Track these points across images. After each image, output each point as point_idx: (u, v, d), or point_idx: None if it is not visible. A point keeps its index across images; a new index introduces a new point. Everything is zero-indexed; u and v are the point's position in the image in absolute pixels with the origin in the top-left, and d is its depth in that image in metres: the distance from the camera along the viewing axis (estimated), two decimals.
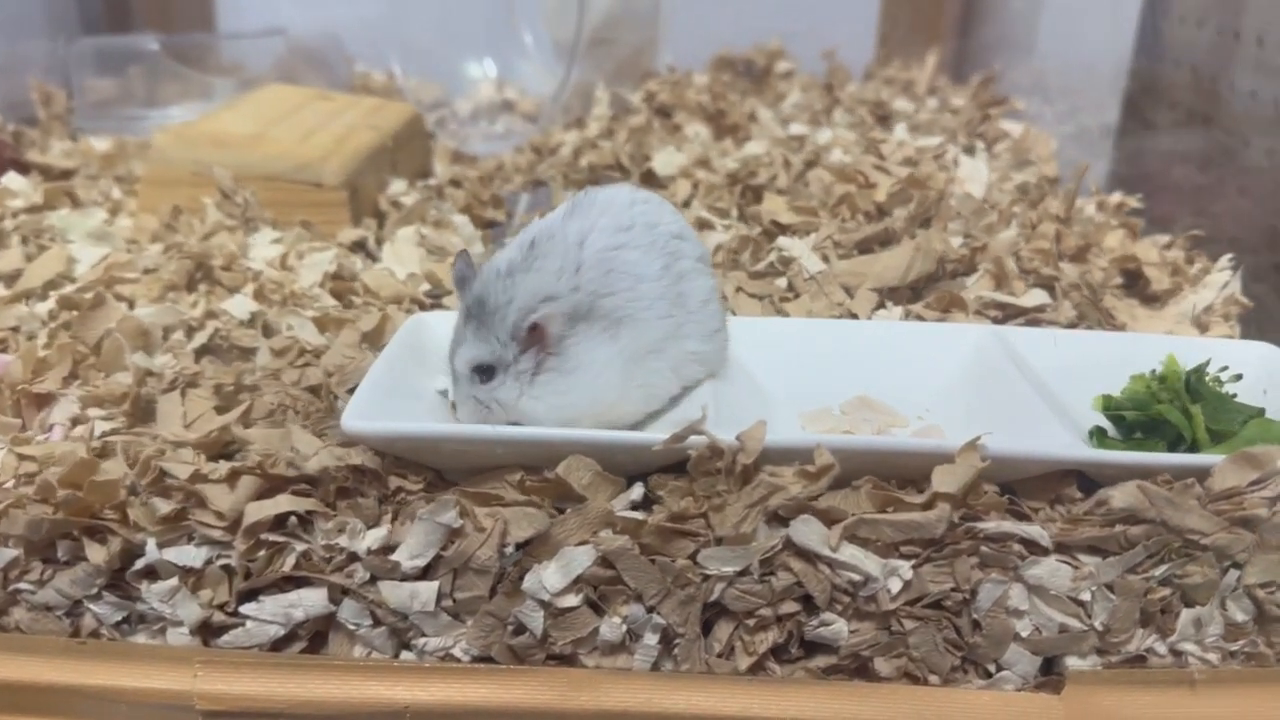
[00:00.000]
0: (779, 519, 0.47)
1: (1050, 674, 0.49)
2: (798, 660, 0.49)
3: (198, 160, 0.75)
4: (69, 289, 0.64)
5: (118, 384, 0.56)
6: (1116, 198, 0.79)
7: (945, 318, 0.63)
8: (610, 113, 1.00)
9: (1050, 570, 0.47)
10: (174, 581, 0.47)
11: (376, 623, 0.48)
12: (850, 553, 0.46)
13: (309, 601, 0.47)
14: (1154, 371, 0.57)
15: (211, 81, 1.07)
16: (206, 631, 0.48)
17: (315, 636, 0.49)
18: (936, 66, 1.18)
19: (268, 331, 0.61)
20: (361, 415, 0.49)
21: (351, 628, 0.48)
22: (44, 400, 0.57)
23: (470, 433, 0.49)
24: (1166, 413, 0.52)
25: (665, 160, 0.87)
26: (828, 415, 0.56)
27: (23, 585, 0.47)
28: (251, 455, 0.49)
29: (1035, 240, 0.70)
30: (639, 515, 0.47)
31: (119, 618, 0.48)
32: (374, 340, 0.59)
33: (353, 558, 0.47)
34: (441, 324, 0.60)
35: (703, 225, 0.81)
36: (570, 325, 0.51)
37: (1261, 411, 0.54)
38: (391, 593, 0.47)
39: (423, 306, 0.64)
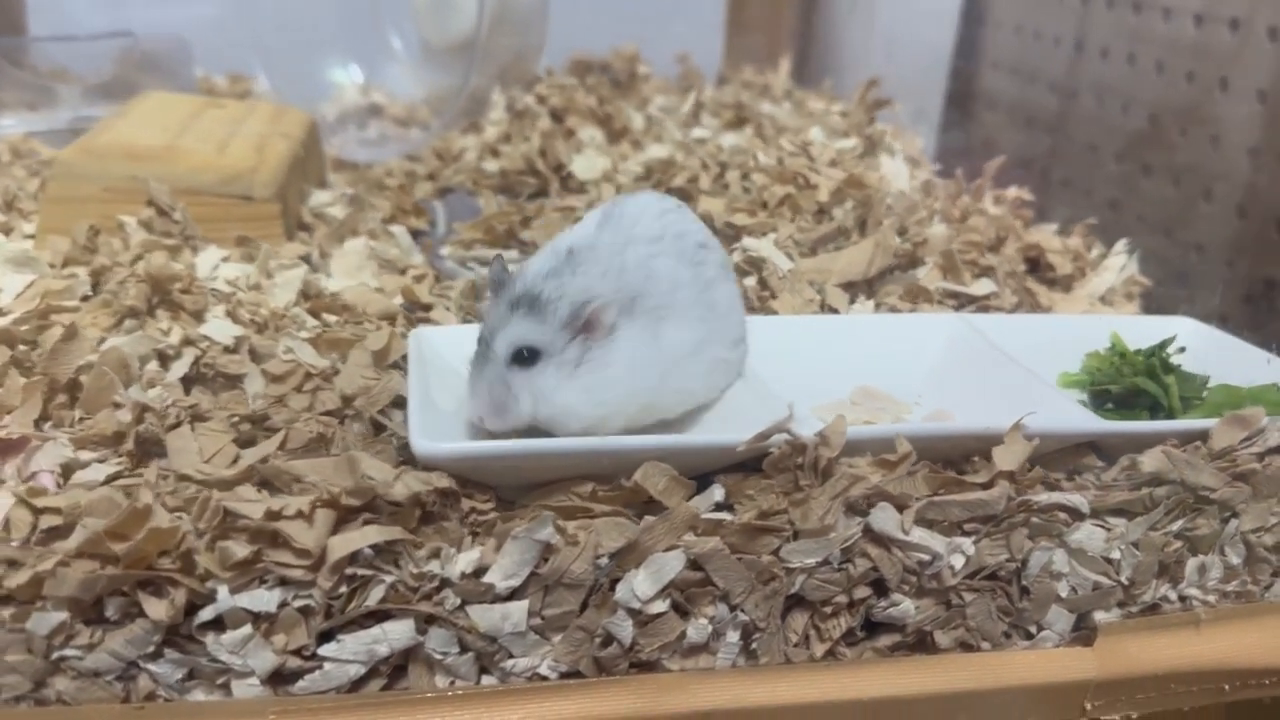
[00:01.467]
0: (853, 508, 0.49)
1: (1080, 629, 0.53)
2: (862, 641, 0.51)
3: (110, 175, 0.69)
4: (3, 321, 0.58)
5: (109, 422, 0.51)
6: (1013, 191, 0.86)
7: (915, 308, 0.67)
8: (506, 116, 0.99)
9: (1088, 534, 0.51)
10: (246, 629, 0.44)
11: (463, 649, 0.46)
12: (920, 534, 0.49)
13: (395, 635, 0.45)
14: (1111, 349, 0.63)
15: (54, 88, 0.97)
16: (277, 680, 0.45)
17: (393, 672, 0.47)
18: (789, 71, 1.23)
19: (256, 357, 0.57)
20: (427, 436, 0.47)
21: (438, 657, 0.46)
22: (12, 446, 0.51)
23: (558, 447, 0.48)
24: (1144, 384, 0.58)
25: (587, 164, 0.87)
26: (842, 406, 0.59)
27: (69, 651, 0.43)
28: (311, 488, 0.46)
29: (965, 233, 0.75)
30: (725, 515, 0.48)
31: (179, 675, 0.44)
32: (380, 360, 0.57)
33: (444, 584, 0.45)
34: (441, 338, 0.58)
35: None
36: (618, 320, 0.51)
37: (1207, 379, 0.61)
38: (483, 616, 0.46)
39: (410, 322, 0.62)
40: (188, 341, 0.57)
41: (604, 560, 0.46)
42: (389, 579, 0.45)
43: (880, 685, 0.51)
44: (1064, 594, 0.52)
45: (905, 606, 0.50)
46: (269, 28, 1.09)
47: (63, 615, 0.42)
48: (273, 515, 0.44)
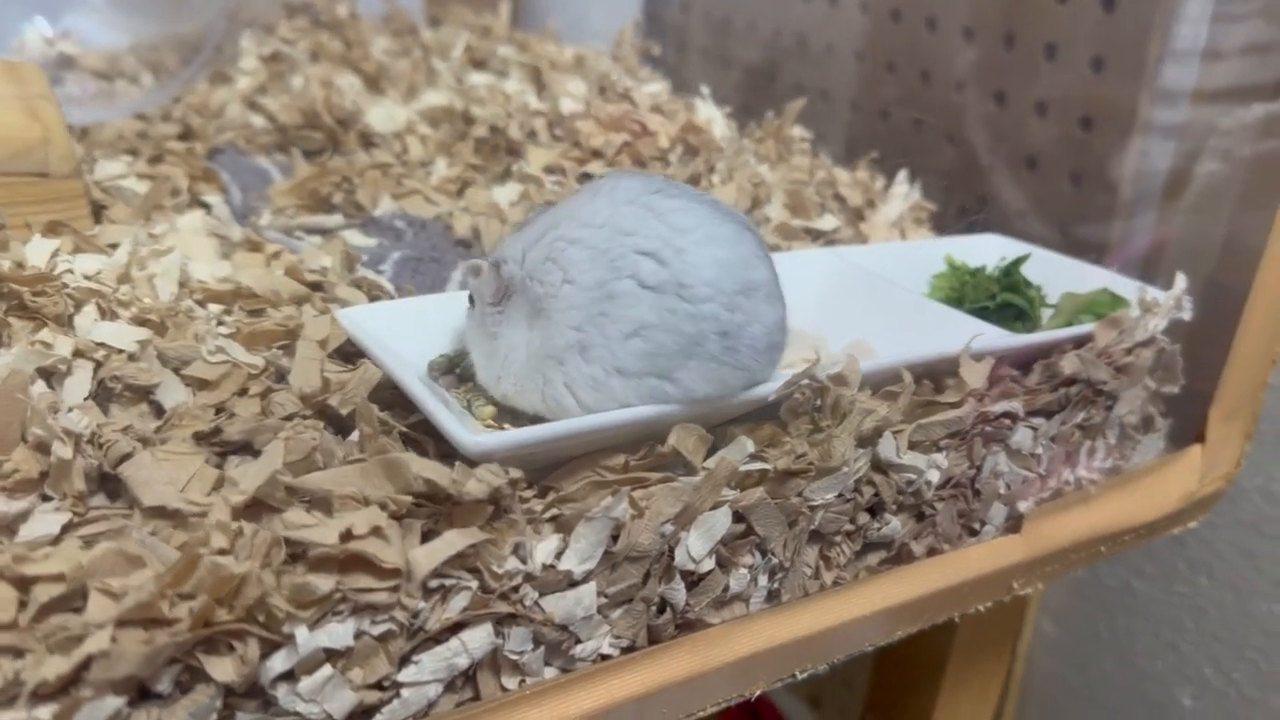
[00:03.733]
0: (862, 441, 0.51)
1: (1009, 520, 0.60)
2: (853, 561, 0.55)
3: None
4: None
5: (29, 461, 0.42)
6: (798, 131, 0.91)
7: (791, 245, 0.71)
8: (259, 64, 0.89)
9: (1023, 436, 0.58)
10: (325, 670, 0.39)
11: (536, 644, 0.44)
12: (911, 457, 0.53)
13: (474, 643, 0.42)
14: (956, 269, 0.71)
15: None
16: None
17: (457, 683, 0.43)
18: (510, 15, 1.20)
19: (166, 361, 0.49)
20: (466, 431, 0.44)
21: (514, 658, 0.43)
22: None
23: (599, 423, 0.46)
24: (1012, 298, 0.65)
25: (385, 115, 0.81)
26: None
27: None
28: (349, 502, 0.41)
29: (792, 173, 0.79)
30: (764, 466, 0.48)
31: None
32: (322, 350, 0.51)
33: (528, 579, 0.43)
34: (374, 317, 0.53)
35: (466, 184, 0.78)
36: (508, 293, 0.50)
37: (1040, 287, 0.70)
38: (558, 605, 0.44)
39: (317, 306, 0.56)
40: (79, 352, 0.48)
41: (668, 528, 0.45)
42: (472, 585, 0.41)
43: (877, 600, 0.54)
44: (1002, 491, 0.58)
45: (894, 525, 0.54)
46: None
47: (118, 702, 0.35)
48: (347, 536, 0.39)
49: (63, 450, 0.42)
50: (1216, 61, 0.79)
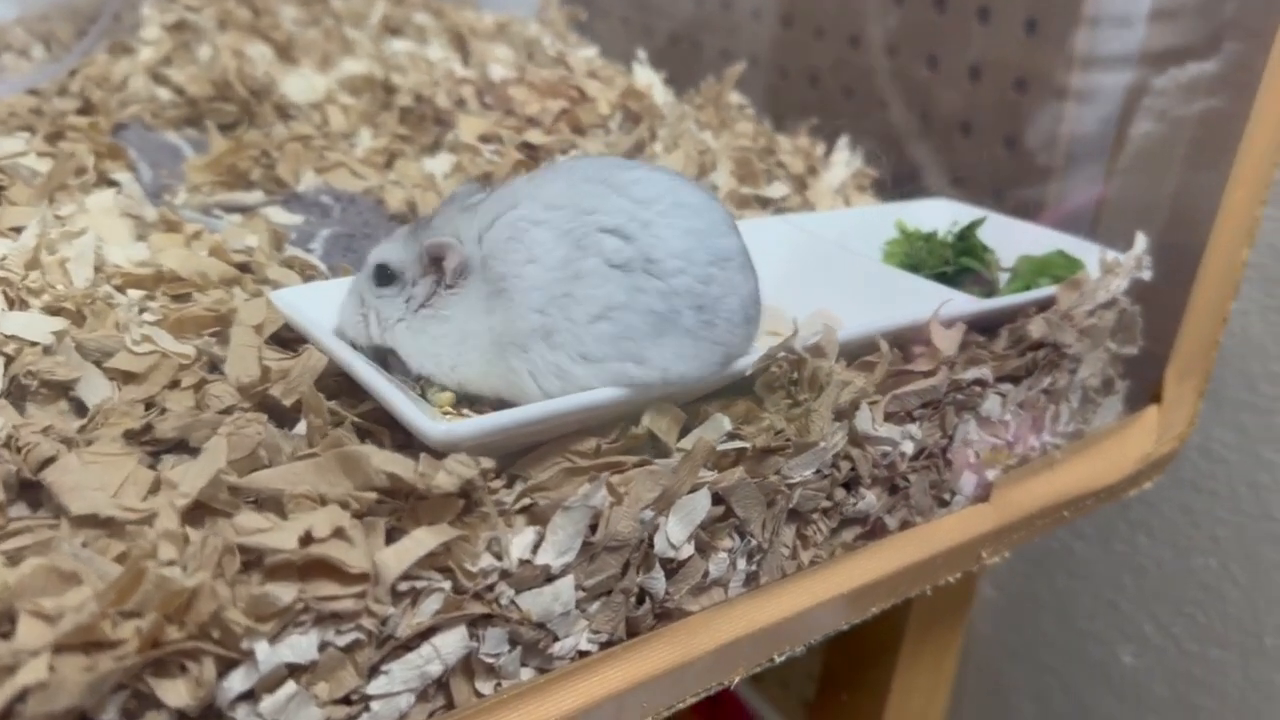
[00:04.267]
0: (839, 414, 0.49)
1: (976, 489, 0.59)
2: (829, 539, 0.53)
3: None
4: None
5: None
6: (735, 98, 0.89)
7: (742, 214, 0.68)
8: (164, 34, 0.83)
9: (992, 402, 0.56)
10: (289, 687, 0.35)
11: (512, 645, 0.41)
12: (886, 428, 0.51)
13: (447, 648, 0.39)
14: (910, 235, 0.69)
15: None
16: None
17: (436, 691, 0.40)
18: None
19: (85, 353, 0.44)
20: (429, 419, 0.40)
21: (489, 661, 0.40)
22: None
23: (571, 405, 0.43)
24: (969, 263, 0.64)
25: (303, 85, 0.76)
26: None
27: None
28: (304, 502, 0.38)
29: (736, 140, 0.77)
30: (742, 444, 0.46)
31: None
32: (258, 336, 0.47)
33: (503, 576, 0.39)
34: (310, 300, 0.50)
35: (394, 155, 0.74)
36: (464, 274, 0.47)
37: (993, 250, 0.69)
38: (535, 602, 0.41)
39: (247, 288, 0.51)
40: None
41: (647, 514, 0.43)
42: (444, 586, 0.38)
43: (855, 576, 0.53)
44: (972, 460, 0.57)
45: (869, 499, 0.52)
46: None
47: None
48: (307, 540, 0.35)
49: None
50: (1150, 23, 0.79)
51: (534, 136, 0.71)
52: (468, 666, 0.40)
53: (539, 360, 0.45)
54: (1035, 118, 0.87)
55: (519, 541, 0.40)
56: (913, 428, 0.52)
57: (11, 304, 0.46)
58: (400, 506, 0.39)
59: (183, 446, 0.43)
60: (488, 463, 0.39)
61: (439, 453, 0.40)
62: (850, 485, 0.51)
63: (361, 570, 0.35)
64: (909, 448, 0.52)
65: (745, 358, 0.47)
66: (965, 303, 0.56)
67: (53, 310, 0.46)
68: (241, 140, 0.71)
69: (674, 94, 0.85)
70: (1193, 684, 0.97)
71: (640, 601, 0.45)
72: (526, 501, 0.41)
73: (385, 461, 0.38)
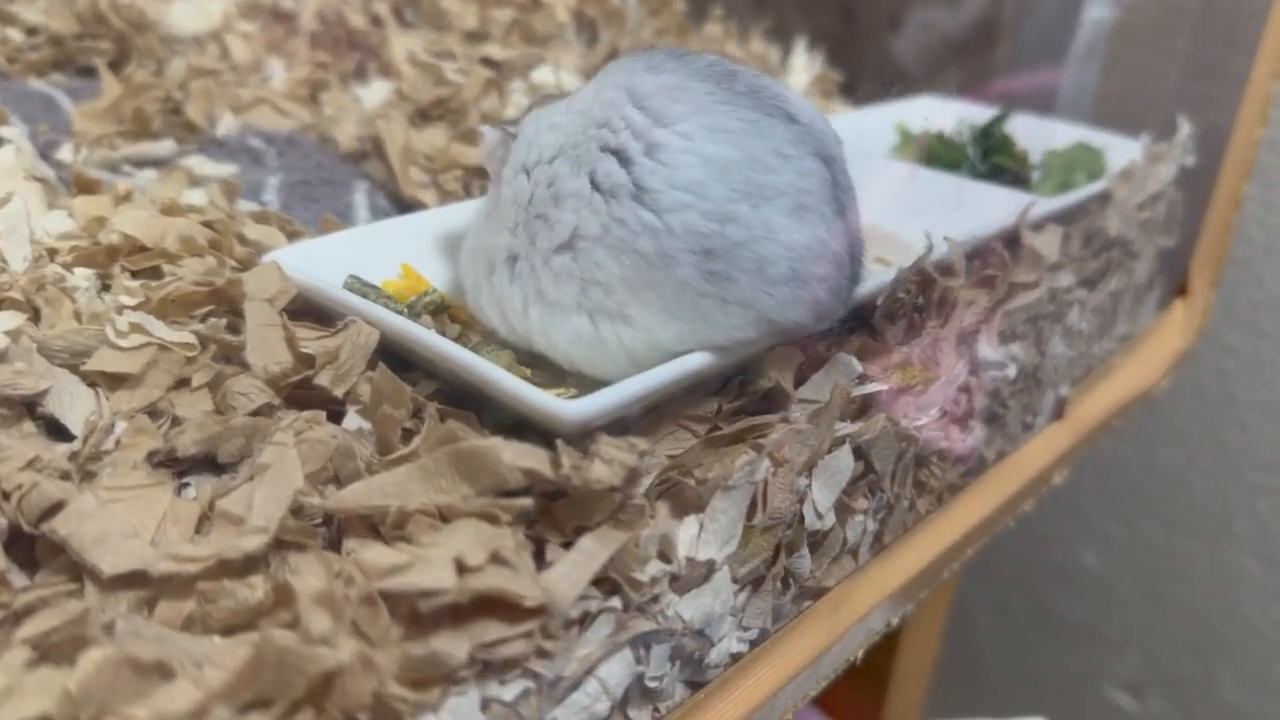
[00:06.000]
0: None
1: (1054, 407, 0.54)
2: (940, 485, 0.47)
3: None
4: None
5: None
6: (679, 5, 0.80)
7: None
8: None
9: (1075, 312, 0.51)
10: None
11: (672, 660, 0.33)
12: (1000, 352, 0.45)
13: (615, 678, 0.31)
14: (928, 134, 0.63)
15: None
16: None
17: None
18: None
19: (52, 355, 0.33)
20: (552, 397, 0.32)
21: (652, 685, 0.32)
22: None
23: (694, 366, 0.35)
24: (1005, 161, 0.58)
25: (193, 11, 0.63)
26: None
27: None
28: (414, 519, 0.29)
29: (705, 47, 0.69)
30: (878, 387, 0.39)
31: None
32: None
33: (672, 581, 0.32)
34: (328, 261, 0.40)
35: (318, 87, 0.63)
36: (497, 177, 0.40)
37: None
38: (695, 605, 0.33)
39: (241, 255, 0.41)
40: None
41: (801, 483, 0.36)
42: (615, 605, 0.30)
43: (964, 520, 0.47)
44: (1054, 376, 0.52)
45: (979, 432, 0.46)
46: None
47: None
48: (465, 568, 0.26)
49: None
50: None
51: (493, 50, 0.61)
52: (632, 695, 0.32)
53: (501, 290, 0.38)
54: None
55: (685, 535, 0.32)
56: (1014, 347, 0.47)
57: None
58: (525, 509, 0.30)
59: (206, 465, 0.33)
60: (642, 444, 0.31)
61: (564, 437, 0.31)
62: (963, 420, 0.45)
63: (538, 602, 0.27)
64: (1012, 371, 0.47)
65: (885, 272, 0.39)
66: (1049, 203, 0.50)
67: (19, 301, 0.35)
68: (133, 82, 0.58)
69: None
70: (1160, 577, 0.97)
71: (785, 586, 0.37)
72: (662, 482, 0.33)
73: (518, 456, 0.29)
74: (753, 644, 0.37)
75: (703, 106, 0.36)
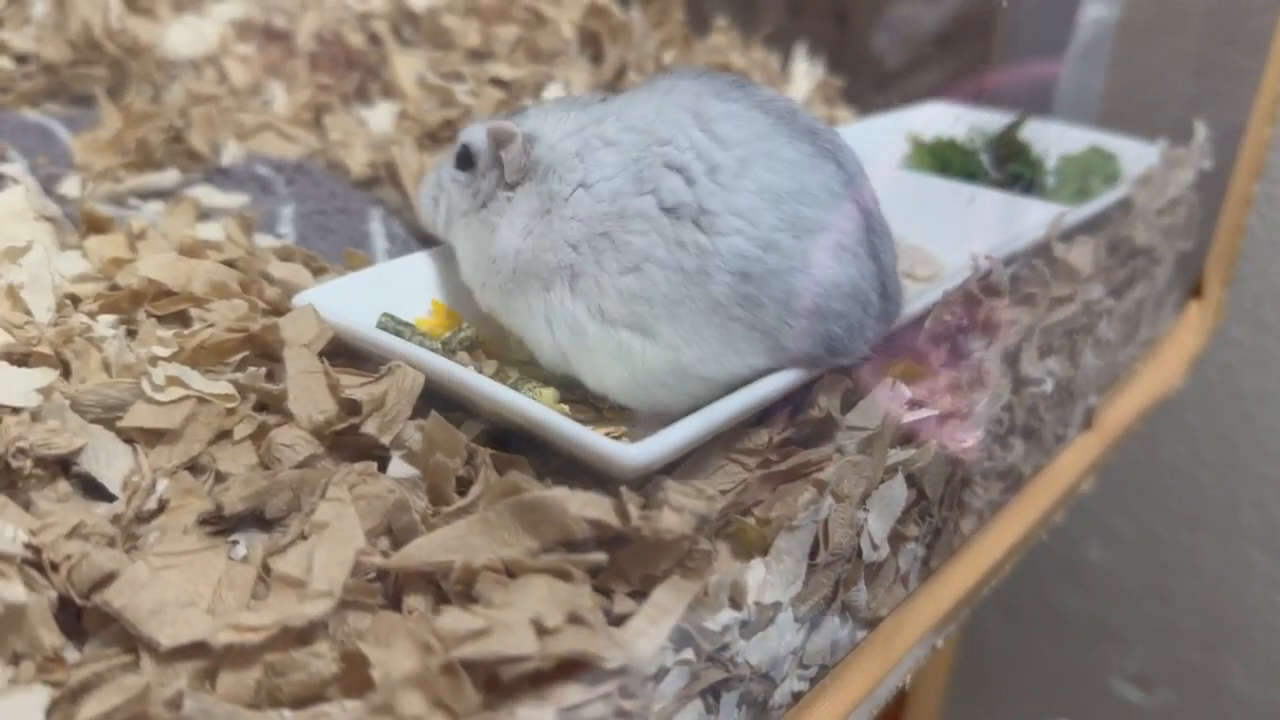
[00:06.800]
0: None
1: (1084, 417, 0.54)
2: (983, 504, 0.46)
3: None
4: None
5: None
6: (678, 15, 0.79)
7: None
8: None
9: (1105, 323, 0.51)
10: None
11: (739, 706, 0.33)
12: (1040, 367, 0.44)
13: None
14: (933, 142, 0.63)
15: None
16: None
17: None
18: None
19: (85, 410, 0.32)
20: (612, 441, 0.31)
21: None
22: None
23: (750, 396, 0.34)
24: (1023, 170, 0.58)
25: (189, 35, 0.62)
26: None
27: None
28: (481, 576, 0.28)
29: (709, 55, 0.68)
30: (930, 412, 0.38)
31: None
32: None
33: (742, 627, 0.31)
34: (359, 302, 0.39)
35: (321, 110, 0.62)
36: (527, 174, 0.40)
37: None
38: (760, 649, 0.32)
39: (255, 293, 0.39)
40: None
41: (860, 516, 0.35)
42: (689, 657, 0.29)
43: (1005, 538, 0.47)
44: (1084, 386, 0.52)
45: (1018, 449, 0.46)
46: None
47: None
48: (543, 630, 0.26)
49: (8, 590, 0.26)
50: None
51: (501, 70, 0.59)
52: None
53: (557, 305, 0.38)
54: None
55: (754, 580, 0.31)
56: (1050, 362, 0.46)
57: None
58: (598, 564, 0.29)
59: (254, 519, 0.32)
60: (710, 489, 0.30)
61: (624, 482, 0.30)
62: (1004, 438, 0.45)
63: (622, 663, 0.26)
64: (1049, 386, 0.46)
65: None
66: (1078, 213, 0.49)
67: (18, 358, 0.33)
68: (133, 110, 0.57)
69: (619, 7, 0.75)
70: (1167, 570, 0.97)
71: (843, 620, 0.37)
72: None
73: (584, 506, 0.29)
74: (813, 682, 0.36)
75: (763, 133, 0.36)
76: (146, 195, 0.53)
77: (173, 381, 0.33)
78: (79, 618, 0.28)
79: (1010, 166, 0.58)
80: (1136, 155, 0.59)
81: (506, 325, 0.41)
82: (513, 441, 0.34)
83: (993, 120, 0.65)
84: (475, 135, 0.42)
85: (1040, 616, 1.07)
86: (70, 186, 0.51)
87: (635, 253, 0.36)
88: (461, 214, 0.42)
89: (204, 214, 0.50)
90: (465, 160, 0.42)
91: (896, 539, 0.38)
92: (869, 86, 0.79)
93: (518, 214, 0.40)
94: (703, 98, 0.38)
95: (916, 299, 0.39)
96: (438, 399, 0.34)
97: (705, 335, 0.35)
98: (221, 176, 0.55)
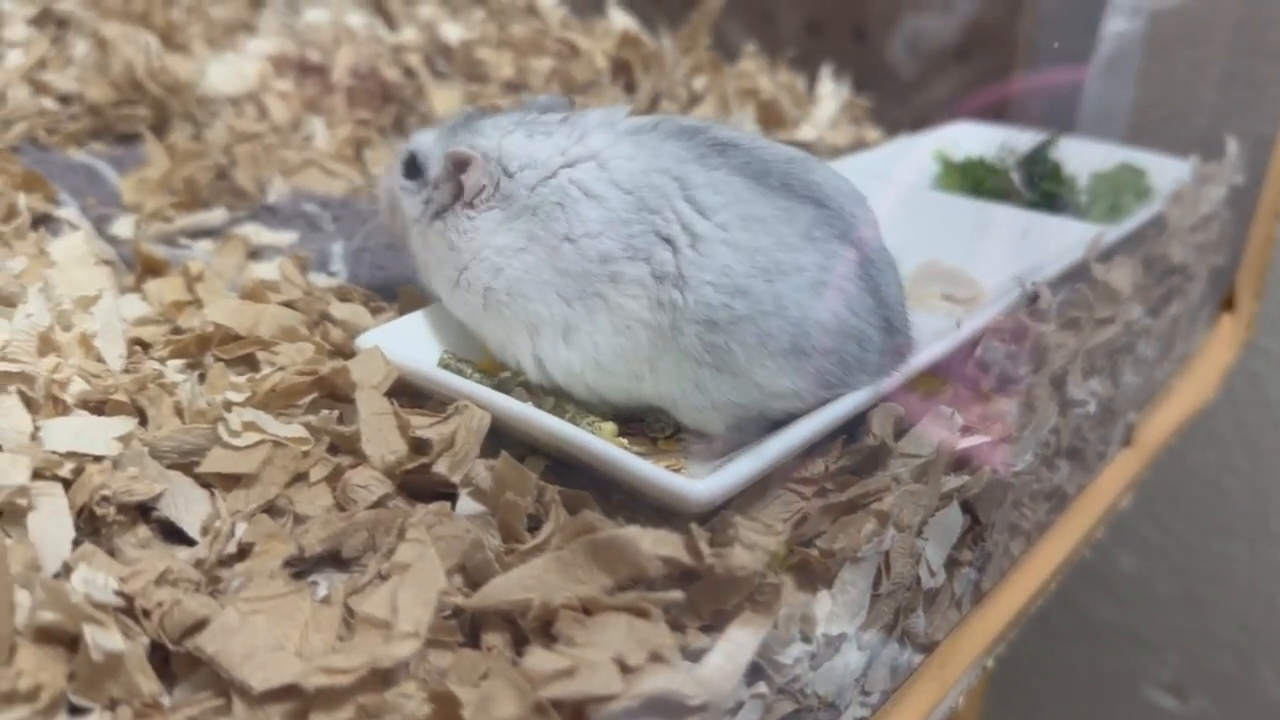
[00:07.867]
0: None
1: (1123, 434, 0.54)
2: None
3: None
4: None
5: (37, 664, 0.27)
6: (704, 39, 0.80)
7: None
8: (34, 31, 0.67)
9: (1144, 342, 0.51)
10: None
11: None
12: (1084, 389, 0.45)
13: None
14: (961, 163, 0.63)
15: None
16: None
17: None
18: None
19: (162, 456, 0.33)
20: (681, 477, 0.32)
21: None
22: None
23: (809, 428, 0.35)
24: (1055, 189, 0.58)
25: (229, 72, 0.63)
26: None
27: None
28: (560, 616, 0.29)
29: (737, 79, 0.68)
30: (982, 438, 0.39)
31: None
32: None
33: (811, 659, 0.31)
34: (420, 343, 0.40)
35: (362, 144, 0.63)
36: (487, 199, 0.40)
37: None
38: (826, 679, 0.33)
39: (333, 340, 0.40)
40: (37, 473, 0.31)
41: (920, 545, 0.35)
42: (763, 692, 0.30)
43: (1053, 557, 0.47)
44: (1124, 404, 0.52)
45: (1063, 469, 0.46)
46: None
47: None
48: (626, 669, 0.26)
49: (107, 639, 0.26)
50: None
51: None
52: None
53: (549, 350, 0.39)
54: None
55: (821, 612, 0.32)
56: (1094, 383, 0.47)
57: (36, 406, 0.34)
58: (675, 602, 0.30)
59: (331, 560, 0.32)
60: (779, 525, 0.31)
61: (693, 517, 0.31)
62: (1050, 459, 0.45)
63: (702, 700, 0.27)
64: (1093, 407, 0.47)
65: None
66: (1114, 232, 0.50)
67: (96, 406, 0.34)
68: (178, 150, 0.58)
69: (649, 35, 0.76)
70: (1199, 578, 0.98)
71: (902, 646, 0.37)
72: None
73: (657, 544, 0.29)
74: (874, 708, 0.37)
75: (740, 197, 0.38)
76: (196, 234, 0.54)
77: (249, 426, 0.33)
78: (166, 662, 0.29)
79: (1042, 185, 0.59)
80: (1166, 170, 0.59)
81: (477, 336, 0.42)
82: (579, 477, 0.35)
83: (1021, 138, 0.66)
84: (421, 143, 0.43)
85: (1074, 627, 1.07)
86: (121, 227, 0.52)
87: (627, 314, 0.38)
88: (414, 221, 0.43)
89: (254, 252, 0.52)
90: (413, 169, 0.42)
91: (952, 564, 0.39)
92: (893, 101, 0.80)
93: (486, 244, 0.40)
94: (687, 163, 0.38)
95: (966, 323, 0.40)
96: (496, 434, 0.35)
97: (680, 380, 0.37)
98: (268, 214, 0.57)
